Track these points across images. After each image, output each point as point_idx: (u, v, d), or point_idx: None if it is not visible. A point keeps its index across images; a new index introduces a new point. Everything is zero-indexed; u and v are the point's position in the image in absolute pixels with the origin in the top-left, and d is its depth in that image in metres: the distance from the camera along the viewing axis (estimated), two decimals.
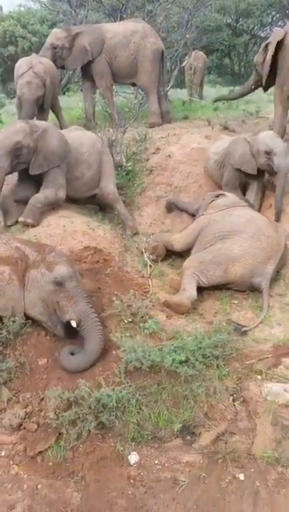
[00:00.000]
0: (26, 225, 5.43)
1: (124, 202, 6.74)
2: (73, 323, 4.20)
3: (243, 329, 4.72)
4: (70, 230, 5.44)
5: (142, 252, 5.96)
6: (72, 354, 4.16)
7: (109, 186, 6.42)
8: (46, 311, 4.23)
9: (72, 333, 4.30)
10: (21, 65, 7.88)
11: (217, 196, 6.13)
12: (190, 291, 5.10)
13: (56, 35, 8.82)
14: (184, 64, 11.99)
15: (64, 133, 6.12)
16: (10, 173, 5.59)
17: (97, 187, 6.33)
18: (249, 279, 5.19)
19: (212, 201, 6.13)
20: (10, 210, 5.70)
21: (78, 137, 6.15)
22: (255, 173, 6.31)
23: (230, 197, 6.08)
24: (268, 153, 6.13)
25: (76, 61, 8.88)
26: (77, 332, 4.29)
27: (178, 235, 6.09)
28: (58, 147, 5.67)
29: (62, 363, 4.14)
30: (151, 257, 5.89)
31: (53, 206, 5.77)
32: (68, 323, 4.24)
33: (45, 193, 5.60)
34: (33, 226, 5.43)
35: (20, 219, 5.44)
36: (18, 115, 8.07)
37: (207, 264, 5.23)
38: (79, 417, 3.75)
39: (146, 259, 5.82)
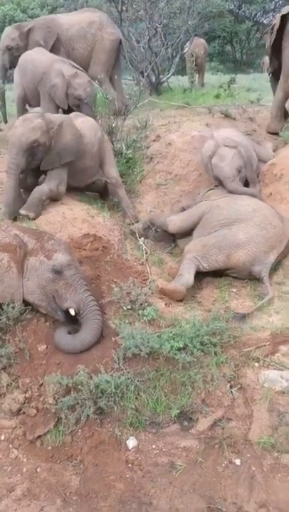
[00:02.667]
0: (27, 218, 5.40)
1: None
2: (72, 311, 4.23)
3: (243, 312, 4.75)
4: (70, 218, 5.45)
5: (137, 238, 6.05)
6: (69, 333, 4.20)
7: (112, 171, 6.47)
8: (45, 298, 4.25)
9: (72, 318, 4.31)
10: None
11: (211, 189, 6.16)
12: (186, 277, 5.08)
13: (9, 36, 8.60)
14: (185, 51, 11.89)
15: None
16: (24, 171, 5.56)
17: (98, 173, 6.36)
18: (250, 266, 5.21)
19: (210, 189, 6.12)
20: (11, 211, 5.66)
21: (80, 128, 6.06)
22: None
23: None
24: (218, 180, 6.20)
25: None
26: (75, 321, 4.33)
27: (174, 216, 6.09)
28: (71, 142, 5.66)
29: (58, 341, 4.15)
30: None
31: (54, 199, 5.76)
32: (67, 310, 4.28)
33: (50, 186, 5.58)
34: (33, 219, 5.39)
35: (22, 212, 5.39)
36: (17, 106, 8.03)
37: (210, 248, 5.23)
38: (78, 403, 3.80)
39: (142, 244, 5.86)
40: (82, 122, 6.16)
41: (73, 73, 7.46)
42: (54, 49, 8.44)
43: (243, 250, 5.17)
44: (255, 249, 5.17)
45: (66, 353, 4.12)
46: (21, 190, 5.70)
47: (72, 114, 6.59)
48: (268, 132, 8.13)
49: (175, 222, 6.00)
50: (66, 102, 7.50)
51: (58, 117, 5.83)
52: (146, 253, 5.82)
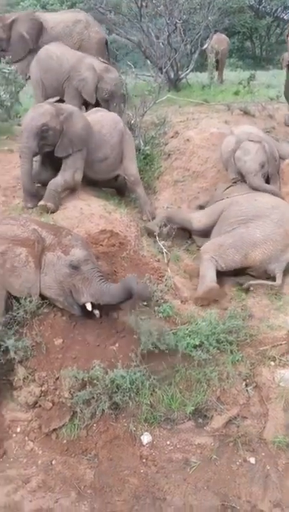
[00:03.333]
0: (46, 210, 5.43)
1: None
2: (88, 306, 4.26)
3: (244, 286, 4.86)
4: (87, 213, 5.46)
5: (156, 240, 5.90)
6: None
7: (131, 168, 6.43)
8: (62, 293, 4.28)
9: (89, 314, 4.34)
10: None
11: (234, 182, 6.10)
12: (210, 276, 5.04)
13: None
14: (204, 47, 11.80)
15: (86, 115, 6.13)
16: (37, 154, 5.62)
17: (119, 168, 6.33)
18: (266, 264, 5.17)
19: (229, 187, 6.09)
20: (32, 193, 5.72)
21: (99, 119, 6.13)
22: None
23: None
24: (240, 174, 6.12)
25: (18, 51, 8.45)
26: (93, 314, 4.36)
27: (198, 213, 6.01)
28: (82, 130, 5.67)
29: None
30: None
31: (71, 189, 5.79)
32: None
33: (64, 177, 5.60)
34: (53, 211, 5.42)
35: (41, 202, 5.41)
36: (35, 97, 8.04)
37: (227, 248, 5.19)
38: (93, 397, 3.83)
39: (161, 245, 5.76)
40: (101, 115, 6.21)
41: (104, 67, 7.47)
42: (38, 46, 8.19)
43: (259, 249, 5.14)
44: (272, 248, 5.12)
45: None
46: (38, 185, 5.75)
47: (93, 109, 6.62)
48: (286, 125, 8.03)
49: (200, 219, 5.92)
50: (94, 97, 7.49)
51: (69, 106, 5.90)
52: (165, 254, 5.73)
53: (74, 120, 5.66)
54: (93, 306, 4.27)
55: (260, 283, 5.12)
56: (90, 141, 5.81)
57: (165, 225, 6.09)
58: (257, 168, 6.02)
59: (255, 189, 5.89)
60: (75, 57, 7.53)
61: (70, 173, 5.65)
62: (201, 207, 6.50)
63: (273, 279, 5.19)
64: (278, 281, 5.05)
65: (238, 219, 5.38)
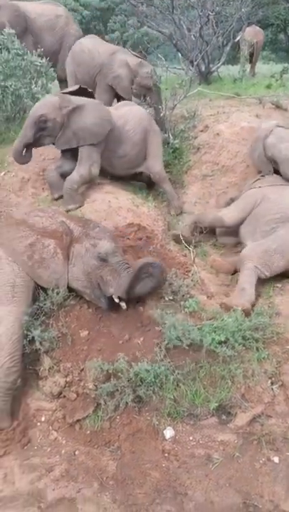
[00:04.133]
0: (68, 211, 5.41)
1: (169, 179, 6.69)
2: (116, 299, 4.27)
3: None
4: (115, 206, 5.48)
5: (181, 240, 5.79)
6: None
7: (155, 166, 6.32)
8: (90, 285, 4.31)
9: (115, 306, 4.36)
10: None
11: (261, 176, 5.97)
12: (249, 293, 4.78)
13: None
14: (237, 39, 11.62)
15: (111, 109, 6.10)
16: (34, 144, 5.62)
17: (141, 165, 6.27)
18: None
19: (257, 179, 5.96)
20: (57, 184, 5.77)
21: (124, 114, 6.08)
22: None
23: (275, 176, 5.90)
24: (274, 162, 5.94)
25: None
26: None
27: (227, 210, 5.83)
28: (92, 125, 5.57)
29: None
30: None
31: (88, 183, 5.77)
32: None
33: (80, 172, 5.57)
34: (78, 208, 5.46)
35: (63, 208, 5.41)
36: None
37: (272, 255, 4.97)
38: (117, 389, 3.85)
39: (185, 244, 5.68)
40: (128, 110, 6.16)
41: (138, 62, 7.42)
42: (21, 37, 7.85)
43: None
44: None
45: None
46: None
47: (121, 103, 6.59)
48: None
49: (232, 214, 5.72)
50: (131, 92, 7.47)
51: (82, 99, 5.76)
52: (192, 252, 5.66)
53: (83, 113, 5.58)
54: (120, 298, 4.27)
55: None
56: (108, 136, 5.74)
57: (195, 229, 5.94)
58: None
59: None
60: (106, 52, 7.51)
61: (85, 167, 5.60)
62: (232, 200, 6.33)
63: None
64: None
65: (275, 218, 5.23)
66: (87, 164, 5.61)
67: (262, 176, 6.03)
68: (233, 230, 5.79)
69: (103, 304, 4.35)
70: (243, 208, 5.68)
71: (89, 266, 4.26)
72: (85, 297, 4.42)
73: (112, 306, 4.34)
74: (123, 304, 4.32)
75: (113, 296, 4.26)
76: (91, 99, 5.92)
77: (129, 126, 6.00)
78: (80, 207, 5.50)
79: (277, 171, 5.98)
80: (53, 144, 5.69)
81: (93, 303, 4.43)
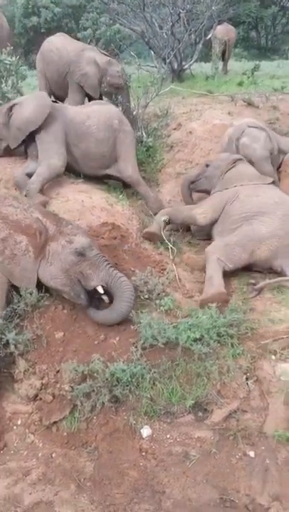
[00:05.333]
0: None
1: (143, 178, 6.66)
2: (100, 289, 4.29)
3: (257, 286, 4.78)
4: (89, 206, 5.45)
5: (163, 238, 5.72)
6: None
7: (127, 169, 6.23)
8: (69, 282, 4.29)
9: (94, 303, 4.38)
10: None
11: (234, 162, 5.97)
12: (218, 279, 4.89)
13: None
14: (208, 37, 11.68)
15: (81, 107, 6.11)
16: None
17: (111, 167, 6.20)
18: (272, 260, 5.12)
19: (231, 168, 5.94)
20: (23, 185, 5.67)
21: (88, 111, 6.04)
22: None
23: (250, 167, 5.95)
24: (249, 161, 6.08)
25: None
26: (100, 302, 4.40)
27: (201, 209, 5.78)
28: (29, 114, 5.58)
29: (94, 316, 4.31)
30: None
31: (54, 178, 5.70)
32: (91, 293, 4.33)
33: (38, 171, 5.52)
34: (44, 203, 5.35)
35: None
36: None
37: (233, 247, 5.09)
38: (93, 390, 3.83)
39: (167, 242, 5.63)
40: (94, 108, 6.16)
41: (107, 60, 7.37)
42: None
43: (265, 246, 5.06)
44: (277, 244, 5.06)
45: (108, 325, 4.28)
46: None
47: (91, 102, 6.56)
48: None
49: (205, 215, 5.70)
50: (99, 91, 7.41)
51: (23, 97, 5.97)
52: (171, 249, 5.62)
53: (22, 108, 5.66)
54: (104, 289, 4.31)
55: (276, 281, 4.97)
56: (67, 129, 5.75)
57: (167, 224, 5.86)
58: (267, 155, 6.00)
59: (266, 174, 5.86)
60: (75, 50, 7.42)
61: (43, 165, 5.56)
62: (192, 182, 6.35)
63: (276, 273, 5.16)
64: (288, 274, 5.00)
65: (241, 216, 5.30)
66: (45, 161, 5.57)
67: (238, 160, 6.01)
68: (208, 228, 5.83)
69: (83, 300, 4.33)
70: (216, 209, 5.67)
71: (67, 263, 4.26)
72: (63, 295, 4.40)
73: (92, 302, 4.34)
74: (106, 298, 4.34)
75: (97, 288, 4.27)
76: (32, 94, 6.03)
77: (90, 121, 5.93)
78: (46, 202, 5.37)
79: None
80: None
81: (68, 303, 4.41)
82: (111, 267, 4.36)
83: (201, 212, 5.76)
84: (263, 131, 6.29)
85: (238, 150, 6.21)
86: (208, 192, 6.08)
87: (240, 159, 5.96)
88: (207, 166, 6.16)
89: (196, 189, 6.36)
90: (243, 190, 5.55)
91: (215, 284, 4.85)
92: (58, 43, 7.59)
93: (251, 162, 6.04)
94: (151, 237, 5.78)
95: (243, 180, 5.72)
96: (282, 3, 22.34)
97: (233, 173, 5.85)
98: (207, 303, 4.60)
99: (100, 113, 6.08)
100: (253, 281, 5.05)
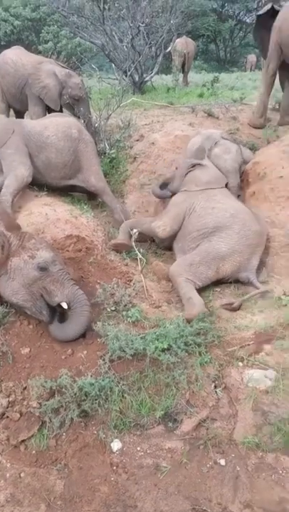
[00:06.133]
0: None
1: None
2: (64, 305, 4.24)
3: (233, 306, 4.79)
4: (53, 218, 5.40)
5: (133, 248, 5.71)
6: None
7: (90, 179, 6.26)
8: (31, 298, 4.22)
9: (57, 318, 4.34)
10: None
11: (193, 166, 6.06)
12: (197, 298, 4.88)
13: None
14: (168, 49, 11.88)
15: (40, 119, 6.17)
16: None
17: (75, 177, 6.21)
18: (236, 274, 5.21)
19: (188, 172, 6.04)
20: None
21: (46, 122, 6.05)
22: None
23: (210, 168, 6.02)
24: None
25: None
26: (62, 317, 4.36)
27: (161, 221, 5.83)
28: None
29: (50, 330, 4.28)
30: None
31: (23, 188, 5.66)
32: (53, 308, 4.28)
33: (6, 184, 5.47)
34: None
35: None
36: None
37: (197, 267, 5.13)
38: (62, 406, 3.76)
39: (137, 252, 5.62)
40: (53, 119, 6.17)
41: (66, 73, 7.37)
42: None
43: (228, 262, 5.15)
44: (240, 258, 5.15)
45: (60, 341, 4.26)
46: None
47: (50, 114, 6.56)
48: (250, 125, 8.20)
49: (165, 227, 5.76)
50: (59, 103, 7.39)
51: None
52: (140, 260, 5.60)
53: None
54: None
55: (251, 295, 4.99)
56: (27, 141, 5.77)
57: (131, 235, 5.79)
58: (237, 168, 6.14)
59: (234, 186, 6.06)
60: (32, 63, 7.41)
61: (10, 177, 5.50)
62: (165, 184, 6.44)
63: (243, 283, 5.26)
64: (259, 286, 5.09)
65: (200, 233, 5.37)
66: (11, 173, 5.53)
67: (193, 166, 6.10)
68: (169, 240, 5.87)
69: (45, 316, 4.27)
70: (176, 221, 5.73)
71: (29, 278, 4.18)
72: (26, 311, 4.32)
73: (53, 318, 4.28)
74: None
75: (62, 304, 4.23)
76: None
77: (48, 131, 5.95)
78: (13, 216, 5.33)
79: None
80: None
81: (33, 319, 4.34)
82: (74, 284, 4.31)
83: (160, 225, 5.81)
84: (235, 144, 6.45)
85: (210, 159, 6.33)
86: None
87: (199, 164, 6.05)
88: (176, 168, 6.29)
89: (171, 192, 6.42)
90: (198, 202, 5.60)
91: (196, 303, 4.81)
92: (13, 56, 7.56)
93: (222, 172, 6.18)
94: (120, 248, 5.77)
95: (191, 185, 5.81)
96: (238, 18, 23.00)
97: (188, 177, 5.98)
98: (190, 321, 4.56)
99: (57, 123, 6.08)
100: (226, 301, 5.05)
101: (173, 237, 5.81)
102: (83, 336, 4.31)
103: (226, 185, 6.00)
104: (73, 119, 6.50)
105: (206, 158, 6.23)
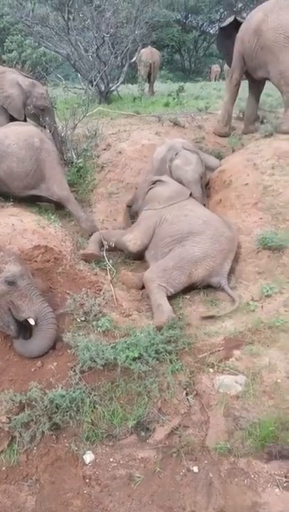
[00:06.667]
0: None
1: (75, 199, 6.64)
2: (31, 321, 4.18)
3: (212, 317, 4.81)
4: (20, 229, 5.33)
5: (104, 258, 5.75)
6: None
7: (53, 188, 6.19)
8: None
9: (24, 333, 4.27)
10: None
11: (154, 183, 6.10)
12: (166, 305, 4.91)
13: None
14: (133, 59, 11.98)
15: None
16: None
17: (38, 187, 6.14)
18: (208, 278, 5.25)
19: (150, 189, 6.09)
20: None
21: (6, 131, 6.00)
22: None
23: (171, 184, 6.06)
24: (180, 182, 6.33)
25: None
26: (26, 333, 4.29)
27: (131, 235, 5.86)
28: None
29: (15, 346, 4.22)
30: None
31: None
32: (20, 323, 4.22)
33: None
34: None
35: None
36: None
37: (171, 272, 5.15)
38: (32, 419, 3.70)
39: (107, 262, 5.61)
40: (14, 128, 6.12)
41: (30, 82, 7.31)
42: None
43: (201, 266, 5.19)
44: (212, 263, 5.20)
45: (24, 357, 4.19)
46: None
47: (11, 123, 6.50)
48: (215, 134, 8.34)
49: (136, 241, 5.79)
50: (23, 113, 7.31)
51: None
52: (109, 270, 5.61)
53: None
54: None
55: (229, 311, 4.93)
56: None
57: (103, 246, 5.88)
58: (198, 178, 6.21)
59: (196, 196, 6.10)
60: None
61: None
62: (129, 206, 6.52)
63: (210, 286, 5.30)
64: (230, 292, 5.12)
65: (173, 238, 5.41)
66: None
67: (154, 183, 6.14)
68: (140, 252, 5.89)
69: (12, 331, 4.20)
70: (146, 235, 5.76)
71: None
72: None
73: (21, 332, 4.21)
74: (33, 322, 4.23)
75: (29, 320, 4.17)
76: None
77: (9, 140, 5.89)
78: None
79: None
80: None
81: (1, 332, 4.26)
82: (42, 300, 4.26)
83: (131, 239, 5.84)
84: (195, 154, 6.52)
85: (171, 171, 6.40)
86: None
87: (159, 180, 6.10)
88: (136, 188, 6.30)
89: (133, 212, 6.49)
90: (170, 212, 5.67)
91: (165, 310, 4.84)
92: None
93: (182, 183, 6.23)
94: (90, 258, 5.75)
95: (154, 203, 5.86)
96: (202, 29, 23.42)
97: (150, 194, 6.03)
98: (160, 329, 4.58)
99: (18, 132, 6.02)
100: (209, 314, 5.00)
101: (143, 249, 5.84)
102: (53, 347, 4.26)
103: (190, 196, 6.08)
104: (35, 128, 6.45)
105: (165, 175, 6.34)
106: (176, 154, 6.46)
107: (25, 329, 4.29)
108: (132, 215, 6.67)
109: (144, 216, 5.91)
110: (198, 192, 6.28)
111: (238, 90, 8.02)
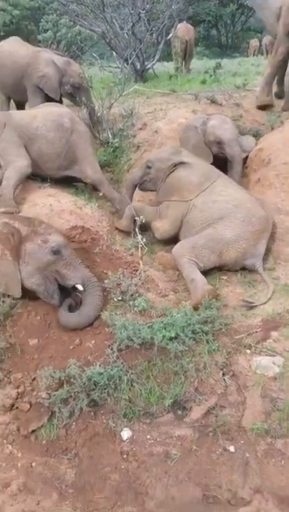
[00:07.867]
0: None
1: (111, 179, 6.63)
2: (79, 287, 4.39)
3: (252, 305, 4.74)
4: (57, 210, 5.38)
5: (136, 233, 5.67)
6: (70, 310, 4.41)
7: (86, 170, 6.15)
8: (43, 282, 4.34)
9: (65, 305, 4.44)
10: None
11: (175, 166, 5.85)
12: (200, 279, 4.87)
13: None
14: (169, 36, 11.74)
15: (28, 110, 6.18)
16: None
17: (71, 168, 6.11)
18: (242, 261, 5.17)
19: (172, 171, 5.86)
20: None
21: (34, 112, 5.99)
22: (211, 161, 6.28)
23: (196, 166, 5.80)
24: (219, 143, 6.29)
25: None
26: (71, 305, 4.48)
27: (160, 223, 5.79)
28: None
29: (62, 319, 4.32)
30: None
31: (24, 179, 5.62)
32: (63, 293, 4.43)
33: (6, 177, 5.42)
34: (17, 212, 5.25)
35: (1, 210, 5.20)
36: None
37: (200, 250, 5.09)
38: (71, 396, 3.80)
39: (140, 240, 5.57)
40: (43, 109, 6.12)
41: (65, 61, 7.28)
42: None
43: (233, 248, 5.10)
44: (245, 245, 5.09)
45: (71, 329, 4.31)
46: None
47: (42, 104, 6.50)
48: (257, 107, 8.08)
49: (163, 230, 5.75)
50: (59, 92, 7.29)
51: None
52: (141, 248, 5.50)
53: None
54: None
55: (266, 301, 4.78)
56: (20, 133, 5.68)
57: (136, 220, 5.77)
58: (236, 137, 6.24)
59: (235, 155, 6.14)
60: (29, 53, 7.30)
61: (9, 170, 5.44)
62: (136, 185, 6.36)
63: (250, 272, 5.24)
64: (266, 278, 5.04)
65: (204, 225, 5.33)
66: (10, 165, 5.47)
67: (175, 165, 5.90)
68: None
69: (56, 300, 4.39)
70: (173, 225, 5.69)
71: (43, 262, 4.30)
72: (38, 295, 4.41)
73: (63, 303, 4.40)
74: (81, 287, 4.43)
75: (77, 286, 4.38)
76: None
77: (37, 122, 5.82)
78: (17, 210, 5.30)
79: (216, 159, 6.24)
80: None
81: (41, 310, 4.39)
82: (85, 267, 4.45)
83: (158, 228, 5.79)
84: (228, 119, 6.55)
85: (206, 134, 6.30)
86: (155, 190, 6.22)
87: (181, 162, 5.84)
88: (148, 167, 6.11)
89: (143, 190, 6.43)
90: (198, 199, 5.55)
91: (199, 285, 4.81)
92: (9, 47, 7.46)
93: (221, 143, 6.23)
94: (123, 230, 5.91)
95: (182, 192, 5.66)
96: (240, 2, 22.68)
97: (174, 179, 5.79)
98: (198, 308, 4.57)
99: (47, 113, 5.97)
100: (247, 300, 4.90)
101: (169, 238, 5.80)
102: (91, 324, 4.33)
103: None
104: (65, 109, 6.40)
105: (192, 142, 6.31)
106: (208, 118, 6.42)
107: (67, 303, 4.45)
108: (134, 191, 6.49)
109: (173, 205, 5.73)
110: (238, 151, 6.20)
111: (281, 66, 7.59)
